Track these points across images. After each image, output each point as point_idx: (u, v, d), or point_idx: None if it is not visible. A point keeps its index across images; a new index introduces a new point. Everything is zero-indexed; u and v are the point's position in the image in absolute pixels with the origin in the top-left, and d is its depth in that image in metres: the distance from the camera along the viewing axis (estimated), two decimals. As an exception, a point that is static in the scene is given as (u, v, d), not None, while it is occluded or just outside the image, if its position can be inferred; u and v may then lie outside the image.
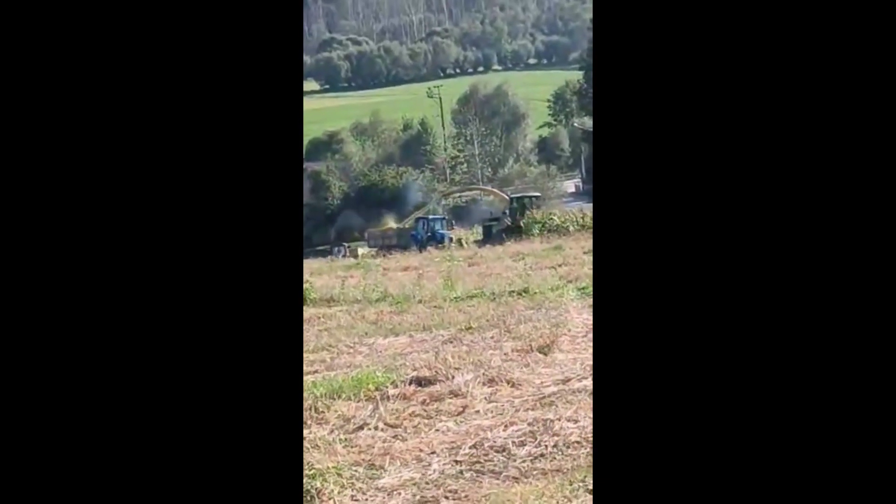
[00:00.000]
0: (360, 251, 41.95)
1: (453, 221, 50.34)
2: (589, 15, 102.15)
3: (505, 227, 39.17)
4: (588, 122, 77.83)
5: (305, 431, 5.68)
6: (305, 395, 6.42)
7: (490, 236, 38.95)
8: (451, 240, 41.17)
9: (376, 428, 5.96)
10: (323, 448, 5.46)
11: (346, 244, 49.58)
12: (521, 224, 38.50)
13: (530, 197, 45.82)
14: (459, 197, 63.27)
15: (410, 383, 7.09)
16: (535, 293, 13.35)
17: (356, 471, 5.08)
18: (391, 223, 53.24)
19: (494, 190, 58.38)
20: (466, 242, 39.38)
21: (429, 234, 42.40)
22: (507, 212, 43.04)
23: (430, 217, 47.76)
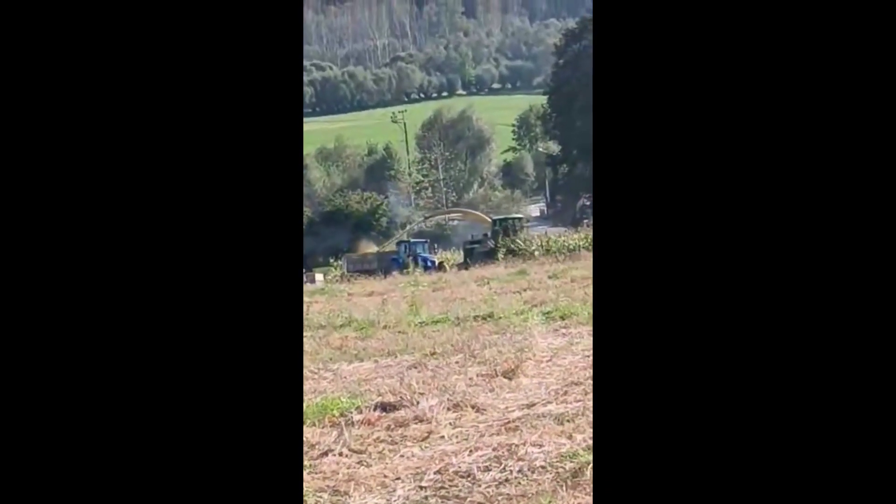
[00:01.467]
0: (318, 276, 41.36)
1: (436, 245, 49.99)
2: (553, 39, 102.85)
3: (488, 249, 38.86)
4: (552, 147, 78.36)
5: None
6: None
7: (472, 259, 38.62)
8: (434, 263, 40.73)
9: (341, 454, 5.93)
10: (287, 475, 5.43)
11: (303, 270, 49.03)
12: (497, 246, 38.19)
13: (513, 219, 45.51)
14: (433, 219, 63.16)
15: (375, 409, 7.08)
16: (500, 318, 13.36)
17: (321, 497, 5.06)
18: (370, 247, 52.71)
19: (476, 213, 58.05)
20: (449, 265, 39.03)
21: (411, 257, 41.85)
22: (490, 234, 42.77)
23: (412, 241, 47.24)
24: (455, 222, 62.04)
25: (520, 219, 46.73)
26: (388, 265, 39.80)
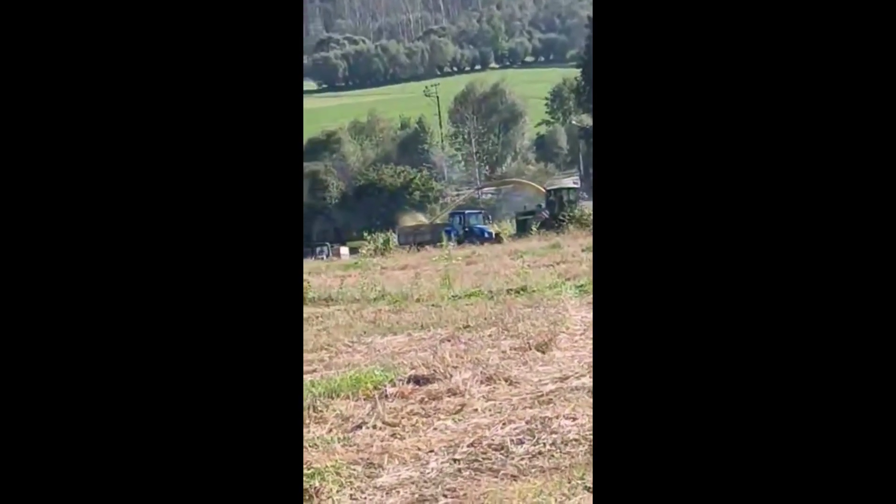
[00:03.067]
0: (343, 250, 41.36)
1: (490, 216, 49.70)
2: (586, 12, 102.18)
3: (542, 220, 38.29)
4: (586, 120, 77.89)
5: (304, 431, 5.67)
6: (304, 394, 6.42)
7: (525, 230, 38.26)
8: (491, 234, 40.37)
9: (374, 427, 5.96)
10: (321, 447, 5.47)
11: (329, 244, 48.76)
12: (561, 217, 37.64)
13: (568, 189, 45.01)
14: (487, 189, 62.94)
15: (408, 382, 7.09)
16: (533, 291, 13.36)
17: (354, 470, 5.08)
18: (418, 219, 52.50)
19: (531, 183, 57.27)
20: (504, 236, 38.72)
21: (466, 228, 41.26)
22: (544, 205, 42.29)
23: (467, 211, 46.79)
24: (488, 195, 61.87)
25: (575, 189, 46.34)
26: (441, 237, 39.42)
